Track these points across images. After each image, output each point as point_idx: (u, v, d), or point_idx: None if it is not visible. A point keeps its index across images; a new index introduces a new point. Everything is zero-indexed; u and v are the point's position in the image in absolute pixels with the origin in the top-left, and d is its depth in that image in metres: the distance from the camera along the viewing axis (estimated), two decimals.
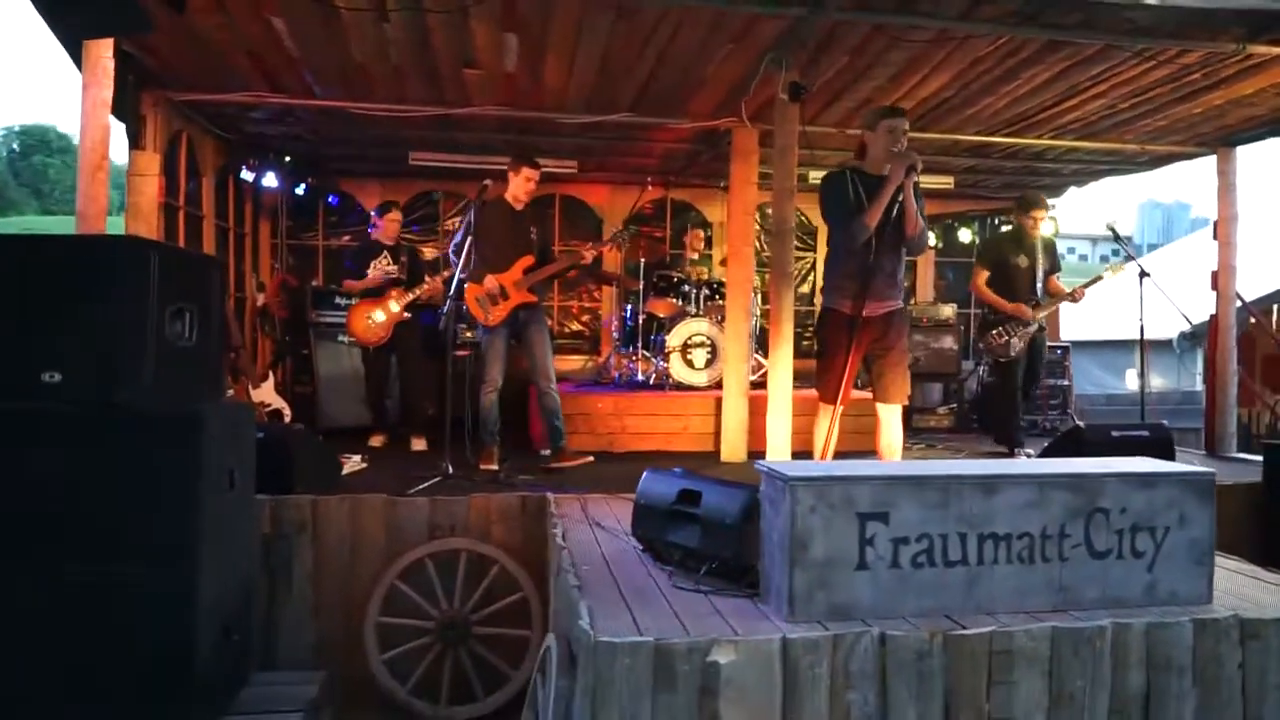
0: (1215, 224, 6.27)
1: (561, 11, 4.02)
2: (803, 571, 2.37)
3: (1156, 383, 10.07)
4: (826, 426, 3.85)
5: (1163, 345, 10.47)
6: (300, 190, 7.10)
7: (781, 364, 4.54)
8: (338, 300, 6.56)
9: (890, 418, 3.91)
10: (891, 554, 2.43)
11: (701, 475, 2.95)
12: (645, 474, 3.07)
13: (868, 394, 4.18)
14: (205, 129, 6.06)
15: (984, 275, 5.73)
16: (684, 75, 4.94)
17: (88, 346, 2.77)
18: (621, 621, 2.35)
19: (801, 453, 4.53)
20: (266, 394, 5.83)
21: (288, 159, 6.87)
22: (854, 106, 5.33)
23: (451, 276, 4.78)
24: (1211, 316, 6.40)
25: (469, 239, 4.76)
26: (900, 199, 3.62)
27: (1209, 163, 6.45)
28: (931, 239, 8.36)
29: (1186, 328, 9.40)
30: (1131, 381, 10.76)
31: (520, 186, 5.00)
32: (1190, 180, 23.56)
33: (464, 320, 5.52)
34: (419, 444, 5.70)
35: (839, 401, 3.80)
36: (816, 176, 5.21)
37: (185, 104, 5.39)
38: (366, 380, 5.93)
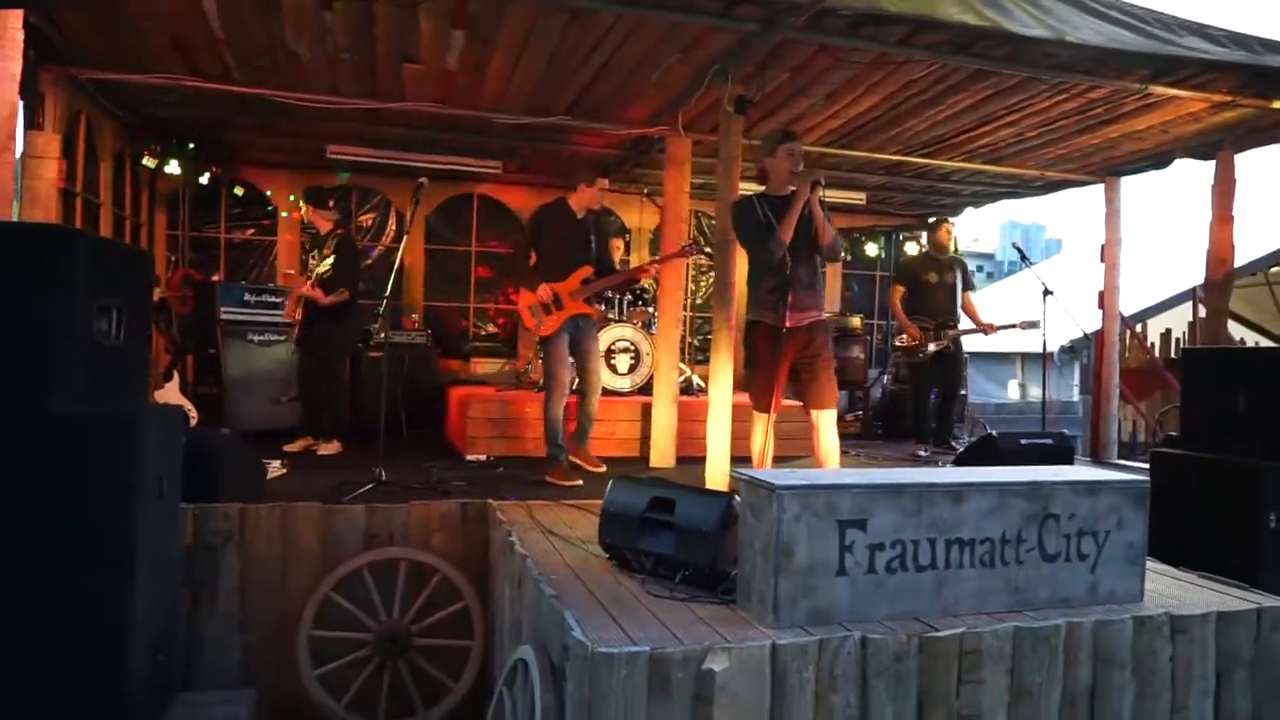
0: (1103, 247, 6.78)
1: (515, 11, 3.97)
2: (787, 578, 2.42)
3: (1036, 392, 10.77)
4: (763, 434, 3.96)
5: (1040, 357, 11.23)
6: (204, 179, 6.69)
7: (722, 372, 4.61)
8: (247, 296, 6.23)
9: (824, 423, 4.05)
10: (868, 560, 2.51)
11: (672, 483, 2.96)
12: (612, 482, 3.07)
13: (791, 402, 4.31)
14: (105, 110, 5.63)
15: (900, 291, 6.30)
16: (625, 82, 4.95)
17: (6, 345, 2.55)
18: (611, 632, 2.34)
19: (738, 458, 4.63)
20: (171, 395, 5.45)
21: (191, 145, 6.46)
22: (787, 121, 5.48)
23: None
24: (1097, 332, 6.92)
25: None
26: (809, 213, 3.80)
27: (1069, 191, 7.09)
28: (843, 250, 8.78)
29: (1066, 342, 10.14)
30: (1014, 391, 11.49)
31: (593, 198, 4.85)
32: (1045, 203, 25.31)
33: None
34: (328, 449, 5.48)
35: (772, 410, 3.92)
36: (745, 188, 5.34)
37: (89, 83, 4.99)
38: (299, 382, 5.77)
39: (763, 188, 4.04)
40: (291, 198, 7.07)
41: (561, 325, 4.73)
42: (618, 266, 7.63)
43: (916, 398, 6.57)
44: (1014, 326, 6.12)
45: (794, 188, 3.83)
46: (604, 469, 4.97)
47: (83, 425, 2.57)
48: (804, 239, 3.82)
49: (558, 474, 4.78)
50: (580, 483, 4.72)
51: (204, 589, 3.64)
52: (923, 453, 6.32)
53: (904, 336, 6.24)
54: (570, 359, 4.84)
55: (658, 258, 5.32)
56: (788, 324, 3.83)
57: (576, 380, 5.04)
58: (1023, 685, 2.51)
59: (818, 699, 2.31)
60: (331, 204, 5.53)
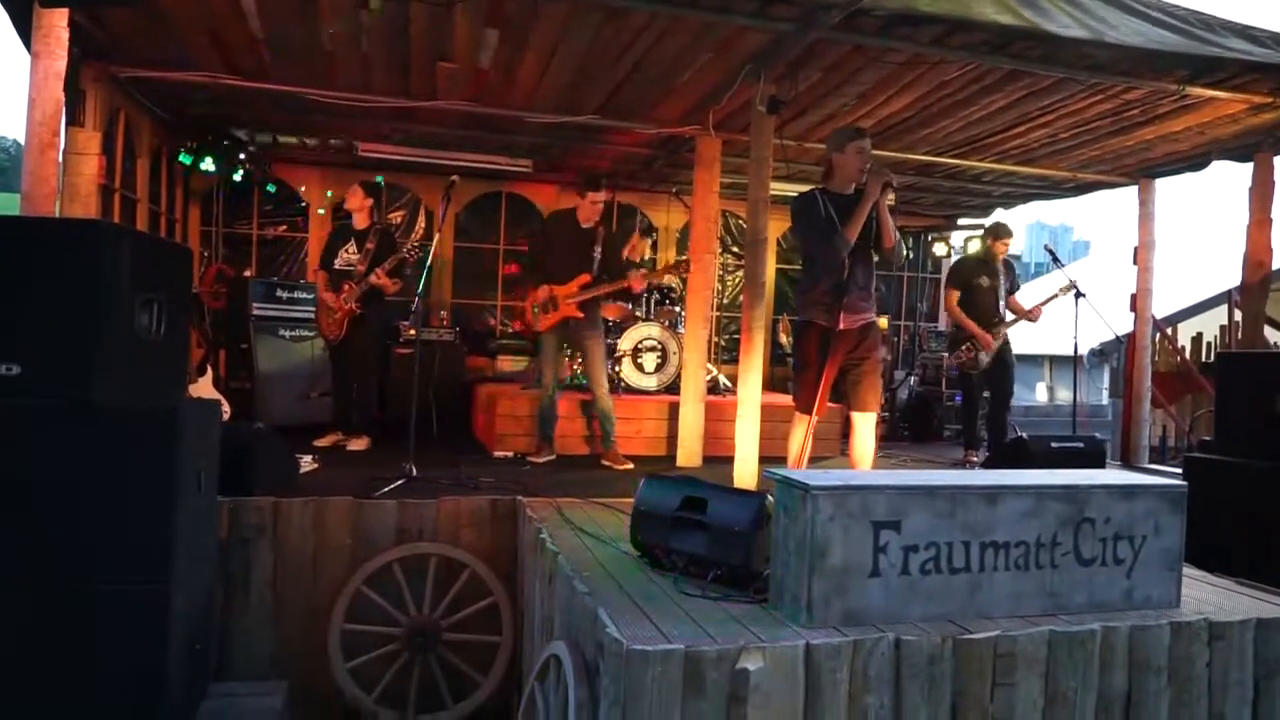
0: (1135, 249, 6.70)
1: (550, 10, 3.98)
2: (821, 578, 2.42)
3: (1064, 395, 10.66)
4: (802, 435, 3.94)
5: (1069, 360, 11.11)
6: (237, 176, 6.78)
7: (752, 371, 4.61)
8: (278, 293, 6.30)
9: (864, 425, 4.01)
10: (902, 561, 2.50)
11: (704, 482, 2.97)
12: (644, 481, 3.07)
13: (833, 405, 4.29)
14: (143, 107, 5.72)
15: (955, 295, 6.11)
16: (657, 82, 4.96)
17: (53, 337, 2.60)
18: (645, 629, 2.34)
19: (765, 458, 4.62)
20: (204, 389, 5.51)
21: (226, 143, 6.55)
22: (818, 122, 5.47)
23: (418, 274, 4.67)
24: (1129, 335, 6.84)
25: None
26: (875, 214, 3.75)
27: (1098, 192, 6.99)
28: (905, 253, 8.63)
29: (1095, 344, 10.03)
30: (1042, 394, 11.36)
31: (587, 209, 5.26)
32: (1073, 205, 25.02)
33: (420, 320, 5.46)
34: (358, 445, 5.52)
35: (815, 411, 3.89)
36: (776, 188, 5.34)
37: (127, 80, 5.07)
38: (333, 378, 5.77)
39: (822, 184, 3.96)
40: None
41: (553, 325, 5.26)
42: (641, 264, 7.70)
43: (968, 404, 6.34)
44: (1054, 298, 5.94)
45: (858, 185, 3.79)
46: (631, 467, 5.21)
47: (125, 416, 2.62)
48: (865, 240, 3.78)
49: (534, 452, 5.48)
50: (540, 461, 5.35)
51: (237, 581, 3.69)
52: (975, 458, 6.13)
53: (965, 348, 6.02)
54: (554, 357, 5.37)
55: (645, 271, 5.62)
56: (841, 326, 3.80)
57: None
58: (1057, 690, 2.49)
59: (851, 700, 2.31)
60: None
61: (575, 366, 6.50)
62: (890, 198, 3.77)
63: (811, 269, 3.96)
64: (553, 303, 5.22)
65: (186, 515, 2.75)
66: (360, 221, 5.55)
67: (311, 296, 6.25)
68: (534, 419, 5.69)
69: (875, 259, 3.96)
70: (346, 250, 5.47)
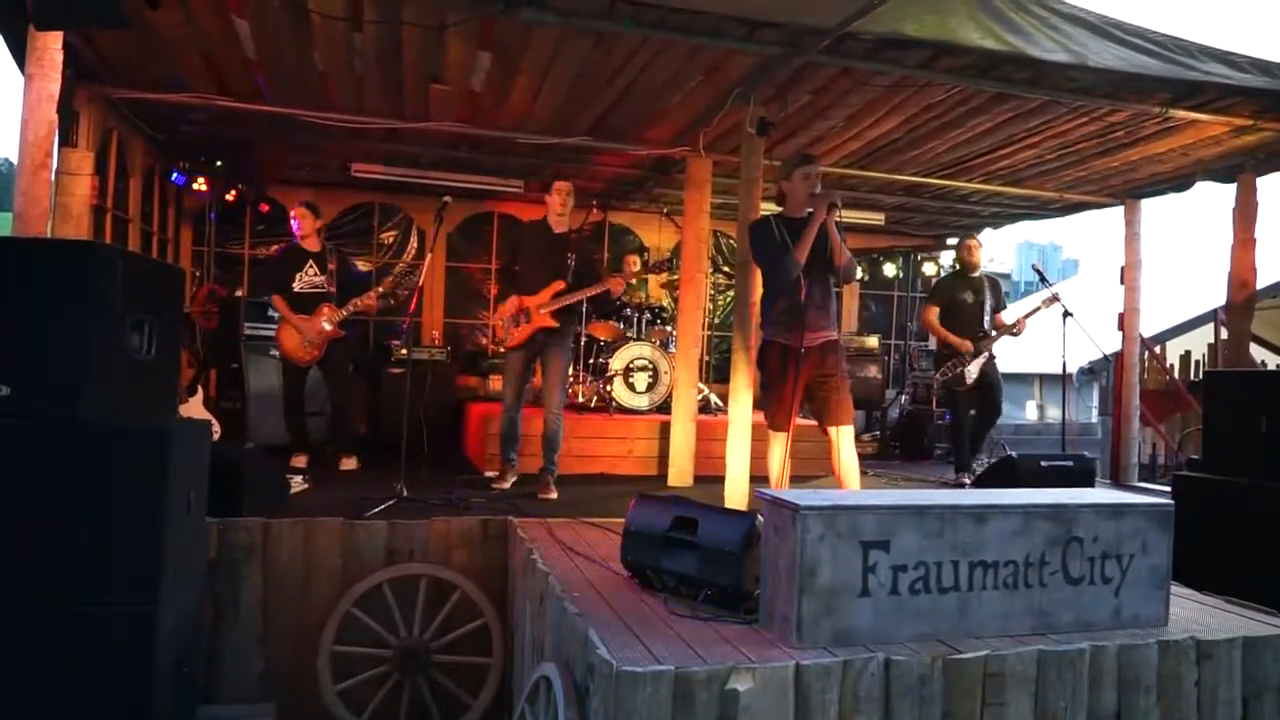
0: (1122, 269, 6.76)
1: (541, 34, 4.03)
2: (810, 598, 2.43)
3: (1054, 414, 10.70)
4: (781, 453, 3.97)
5: (1059, 378, 11.16)
6: (230, 196, 6.79)
7: (742, 391, 4.63)
8: (271, 313, 6.29)
9: (842, 440, 4.04)
10: (891, 581, 2.51)
11: (695, 502, 2.98)
12: (635, 501, 3.08)
13: (807, 421, 4.31)
14: (135, 128, 5.74)
15: (934, 311, 6.04)
16: (648, 104, 5.01)
17: (44, 357, 2.60)
18: (635, 650, 2.34)
19: (756, 478, 4.63)
20: (195, 409, 5.51)
21: (219, 163, 6.57)
22: (807, 143, 5.52)
23: (388, 291, 4.62)
24: (1117, 354, 6.89)
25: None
26: (825, 234, 3.82)
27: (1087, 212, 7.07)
28: (859, 272, 8.71)
29: (1085, 363, 10.09)
30: (1032, 413, 11.41)
31: (557, 205, 4.94)
32: (1062, 224, 25.19)
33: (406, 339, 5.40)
34: (348, 464, 5.51)
35: (788, 429, 3.93)
36: (766, 208, 5.38)
37: (121, 101, 5.10)
38: (285, 398, 5.50)
39: (781, 209, 4.06)
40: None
41: (528, 338, 4.88)
42: (633, 283, 7.72)
43: (955, 424, 6.17)
44: (1038, 310, 5.81)
45: (811, 210, 3.86)
46: (555, 496, 4.81)
47: (115, 436, 2.62)
48: (819, 260, 3.85)
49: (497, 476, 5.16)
50: (506, 485, 5.02)
51: (226, 602, 3.67)
52: (967, 481, 5.94)
53: (949, 364, 5.87)
54: (520, 375, 5.01)
55: (619, 274, 5.30)
56: (802, 344, 3.85)
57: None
58: (1047, 709, 2.50)
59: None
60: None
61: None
62: (837, 216, 3.83)
63: (770, 290, 4.04)
64: (525, 314, 4.84)
65: (175, 535, 2.74)
66: (313, 244, 5.39)
67: None
68: (536, 439, 5.68)
69: (832, 279, 4.00)
70: (307, 272, 5.34)
